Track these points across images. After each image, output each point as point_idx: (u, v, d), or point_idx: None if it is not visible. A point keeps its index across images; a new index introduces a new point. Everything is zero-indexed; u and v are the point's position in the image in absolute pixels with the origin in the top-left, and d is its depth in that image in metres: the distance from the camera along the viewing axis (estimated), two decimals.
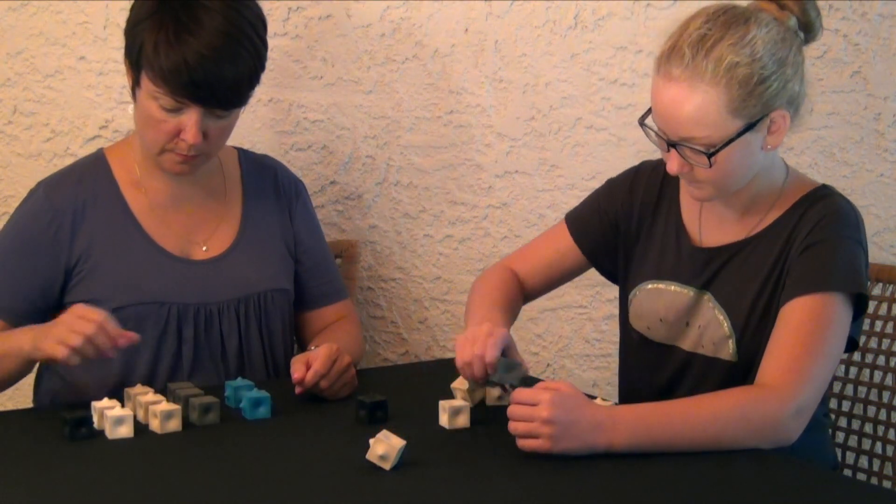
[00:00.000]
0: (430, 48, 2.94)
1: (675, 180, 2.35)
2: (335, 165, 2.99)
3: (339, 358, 2.32)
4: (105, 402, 2.17)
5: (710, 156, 2.11)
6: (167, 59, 2.31)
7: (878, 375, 2.56)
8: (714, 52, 2.09)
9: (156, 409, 2.15)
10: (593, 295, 2.93)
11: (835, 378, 2.59)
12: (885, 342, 2.55)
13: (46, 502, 1.89)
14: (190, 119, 2.34)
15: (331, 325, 2.63)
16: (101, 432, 2.13)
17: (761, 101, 2.11)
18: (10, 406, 2.76)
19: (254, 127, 2.97)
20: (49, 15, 2.89)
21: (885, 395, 2.53)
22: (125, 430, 2.12)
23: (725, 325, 2.23)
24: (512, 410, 2.03)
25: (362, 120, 2.97)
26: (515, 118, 2.94)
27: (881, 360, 2.55)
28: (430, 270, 3.01)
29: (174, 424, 2.15)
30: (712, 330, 2.25)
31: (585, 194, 2.92)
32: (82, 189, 2.47)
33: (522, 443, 2.02)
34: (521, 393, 2.05)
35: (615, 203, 2.41)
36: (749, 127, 2.12)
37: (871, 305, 2.57)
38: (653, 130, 2.18)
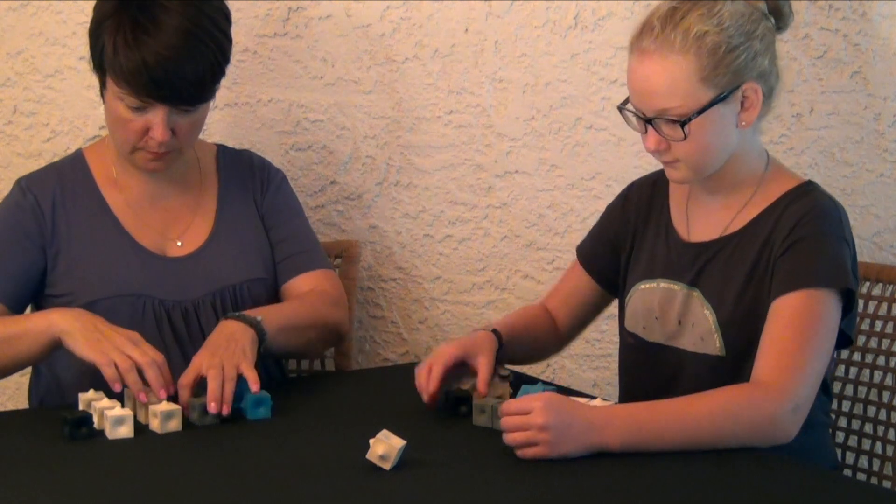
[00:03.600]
0: (430, 48, 2.94)
1: (664, 185, 2.40)
2: (335, 165, 2.99)
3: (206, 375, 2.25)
4: (105, 402, 2.17)
5: (683, 124, 2.16)
6: (126, 60, 2.33)
7: (878, 375, 2.56)
8: (683, 23, 2.17)
9: (156, 409, 2.15)
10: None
11: (835, 378, 2.59)
12: (885, 342, 2.54)
13: (46, 502, 1.89)
14: (156, 117, 2.37)
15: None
16: (101, 432, 2.13)
17: (730, 70, 2.17)
18: (10, 406, 2.76)
19: (254, 127, 2.97)
20: (49, 15, 2.89)
21: (885, 395, 2.53)
22: (125, 430, 2.12)
23: (711, 320, 2.25)
24: (506, 422, 2.03)
25: (362, 120, 2.97)
26: (515, 118, 2.94)
27: (881, 360, 2.55)
28: (430, 270, 3.01)
29: (174, 424, 2.15)
30: (700, 325, 2.26)
31: (585, 194, 2.93)
32: (60, 184, 2.51)
33: (522, 452, 2.02)
34: (511, 404, 2.04)
35: (613, 225, 2.47)
36: (721, 98, 2.17)
37: (871, 305, 2.57)
38: (630, 112, 2.24)
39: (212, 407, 2.19)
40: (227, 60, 2.44)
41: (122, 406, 2.18)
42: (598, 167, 2.92)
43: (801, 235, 2.18)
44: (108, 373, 2.20)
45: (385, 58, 2.94)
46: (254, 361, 2.27)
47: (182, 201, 2.55)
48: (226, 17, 2.44)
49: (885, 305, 2.56)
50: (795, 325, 2.12)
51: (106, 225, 2.49)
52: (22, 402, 2.64)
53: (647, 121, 2.21)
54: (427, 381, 2.25)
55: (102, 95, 2.44)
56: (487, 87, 2.94)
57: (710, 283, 2.27)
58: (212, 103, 2.48)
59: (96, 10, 2.41)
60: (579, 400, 2.09)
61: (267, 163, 2.67)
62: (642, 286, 2.36)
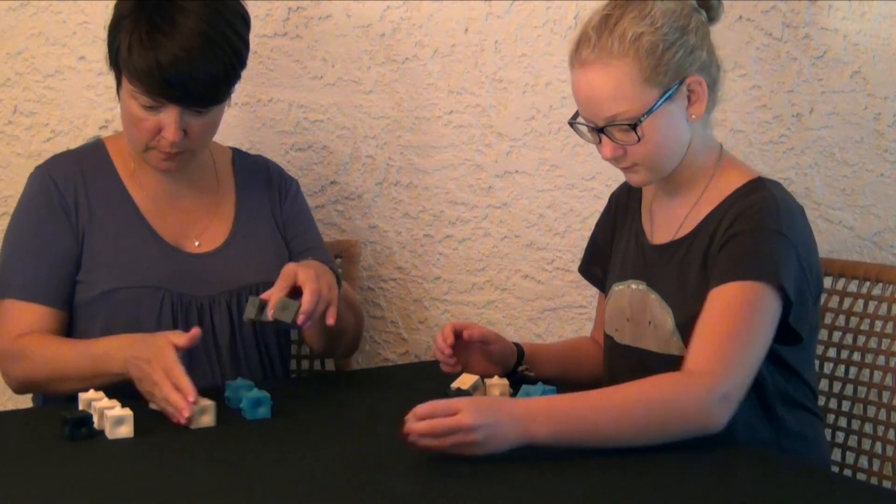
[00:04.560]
0: (430, 48, 2.94)
1: (639, 189, 2.42)
2: (335, 165, 2.99)
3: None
4: (105, 401, 2.17)
5: (634, 127, 2.19)
6: (140, 60, 2.34)
7: (878, 375, 2.56)
8: (617, 28, 2.20)
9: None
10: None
11: (835, 378, 2.59)
12: (885, 342, 2.54)
13: (46, 502, 1.89)
14: (169, 117, 2.37)
15: None
16: (101, 432, 2.13)
17: (671, 67, 2.20)
18: (10, 406, 2.76)
19: (254, 127, 2.97)
20: (49, 15, 2.89)
21: (885, 395, 2.52)
22: (125, 430, 2.12)
23: (670, 321, 2.26)
24: (432, 425, 1.96)
25: (362, 120, 2.97)
26: (515, 118, 2.94)
27: (881, 360, 2.55)
28: (430, 270, 3.01)
29: (207, 419, 2.16)
30: (662, 326, 2.28)
31: (585, 194, 2.93)
32: (81, 169, 2.52)
33: (452, 452, 1.98)
34: (436, 406, 1.99)
35: (603, 235, 2.51)
36: (667, 95, 2.20)
37: (871, 305, 2.57)
38: (582, 125, 2.27)
39: (301, 318, 2.22)
40: (242, 64, 2.44)
41: (122, 406, 2.18)
42: (598, 167, 2.92)
43: (739, 230, 2.19)
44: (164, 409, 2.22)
45: (385, 58, 2.94)
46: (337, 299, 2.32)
47: (199, 203, 2.55)
48: (244, 20, 2.44)
49: (885, 305, 2.55)
50: (727, 314, 2.13)
51: (128, 214, 2.50)
52: (22, 403, 2.63)
53: (600, 130, 2.23)
54: (442, 340, 2.33)
55: (118, 93, 2.44)
56: (487, 87, 2.94)
57: (667, 285, 2.29)
58: (227, 107, 2.48)
59: (116, 8, 2.42)
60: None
61: (282, 170, 2.69)
62: (616, 288, 2.39)
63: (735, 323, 2.12)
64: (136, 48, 2.34)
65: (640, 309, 2.32)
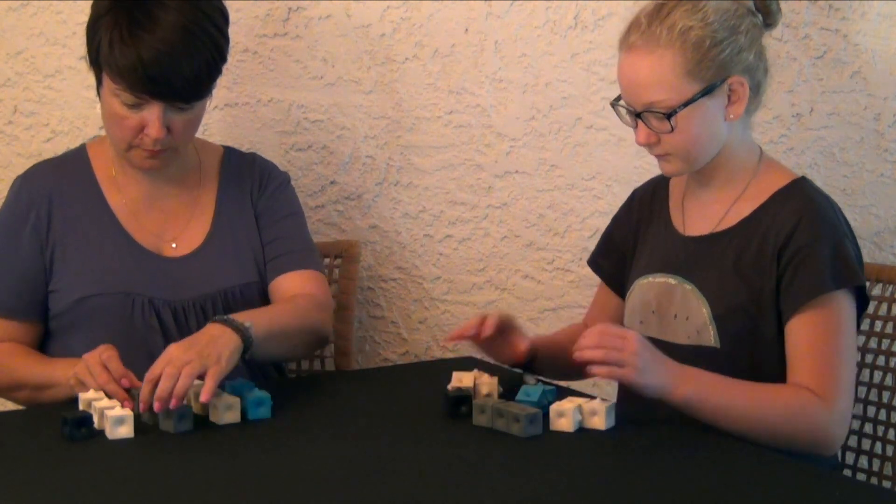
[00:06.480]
0: (430, 48, 2.94)
1: (665, 184, 2.45)
2: (335, 165, 2.99)
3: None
4: (105, 402, 2.17)
5: (669, 117, 2.22)
6: (122, 56, 2.33)
7: (877, 375, 2.56)
8: (668, 19, 2.24)
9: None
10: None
11: None
12: (885, 342, 2.54)
13: (46, 502, 1.89)
14: (152, 114, 2.37)
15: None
16: (101, 432, 2.13)
17: (715, 64, 2.24)
18: (10, 406, 2.76)
19: (254, 127, 2.97)
20: (49, 15, 2.89)
21: (885, 396, 2.53)
22: (125, 430, 2.12)
23: (706, 313, 2.28)
24: (601, 339, 2.12)
25: (362, 120, 2.97)
26: (515, 118, 2.94)
27: (881, 360, 2.55)
28: (430, 270, 3.01)
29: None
30: (695, 318, 2.29)
31: (585, 194, 2.93)
32: (58, 177, 2.52)
33: (607, 370, 2.11)
34: (608, 326, 2.17)
35: (618, 230, 2.52)
36: (707, 91, 2.23)
37: (871, 305, 2.57)
38: (622, 108, 2.30)
39: (156, 406, 2.12)
40: (223, 59, 2.44)
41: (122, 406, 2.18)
42: (598, 167, 2.92)
43: (804, 243, 2.22)
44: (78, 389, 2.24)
45: (385, 58, 2.94)
46: (227, 371, 2.20)
47: (179, 202, 2.54)
48: (223, 15, 2.44)
49: (885, 305, 2.56)
50: (827, 331, 2.20)
51: (103, 221, 2.50)
52: None
53: (637, 115, 2.26)
54: (477, 324, 2.32)
55: (99, 93, 2.44)
56: (487, 87, 2.94)
57: (705, 276, 2.30)
58: (209, 103, 2.48)
59: (94, 7, 2.41)
60: None
61: (270, 164, 2.66)
62: (642, 281, 2.39)
63: (836, 341, 2.20)
64: (118, 45, 2.33)
65: (667, 302, 2.33)
